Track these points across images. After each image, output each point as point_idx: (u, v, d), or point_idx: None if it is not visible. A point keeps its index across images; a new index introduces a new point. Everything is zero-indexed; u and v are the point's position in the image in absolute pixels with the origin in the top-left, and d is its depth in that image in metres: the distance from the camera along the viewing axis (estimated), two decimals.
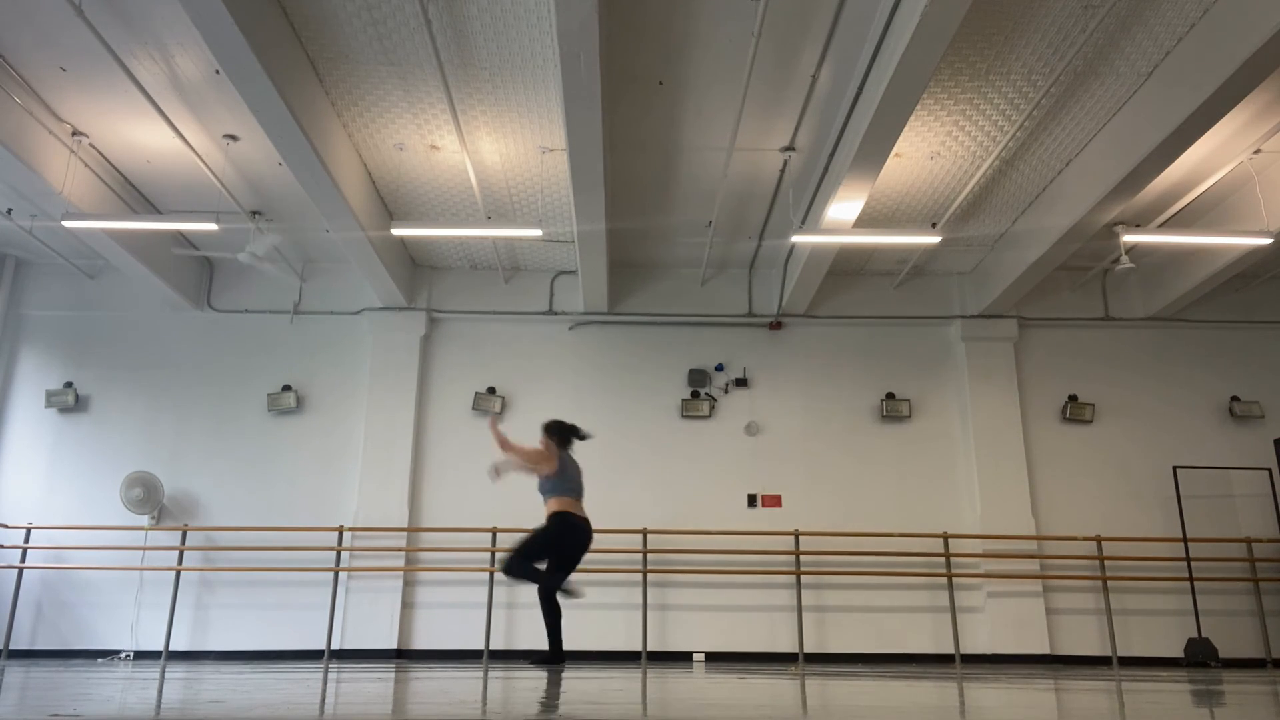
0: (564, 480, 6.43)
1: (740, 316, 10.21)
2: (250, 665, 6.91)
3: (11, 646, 9.01)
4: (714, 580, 9.39)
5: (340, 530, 9.28)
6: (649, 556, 9.35)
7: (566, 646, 9.18)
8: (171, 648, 9.06)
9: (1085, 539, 9.48)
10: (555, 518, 6.35)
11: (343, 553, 9.24)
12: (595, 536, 9.28)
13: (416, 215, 9.11)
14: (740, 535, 9.46)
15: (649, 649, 9.14)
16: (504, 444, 6.35)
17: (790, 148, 7.87)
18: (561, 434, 6.56)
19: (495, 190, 8.62)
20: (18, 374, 9.90)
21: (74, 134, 7.77)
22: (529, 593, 9.33)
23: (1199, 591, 9.39)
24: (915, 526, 9.58)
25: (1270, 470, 9.70)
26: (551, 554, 6.36)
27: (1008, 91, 7.05)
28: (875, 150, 6.83)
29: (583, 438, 6.63)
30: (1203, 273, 9.21)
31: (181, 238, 9.64)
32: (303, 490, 9.60)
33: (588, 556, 9.25)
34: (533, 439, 9.81)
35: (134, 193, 8.77)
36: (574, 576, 6.68)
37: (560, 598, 6.40)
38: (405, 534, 9.36)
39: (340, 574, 9.16)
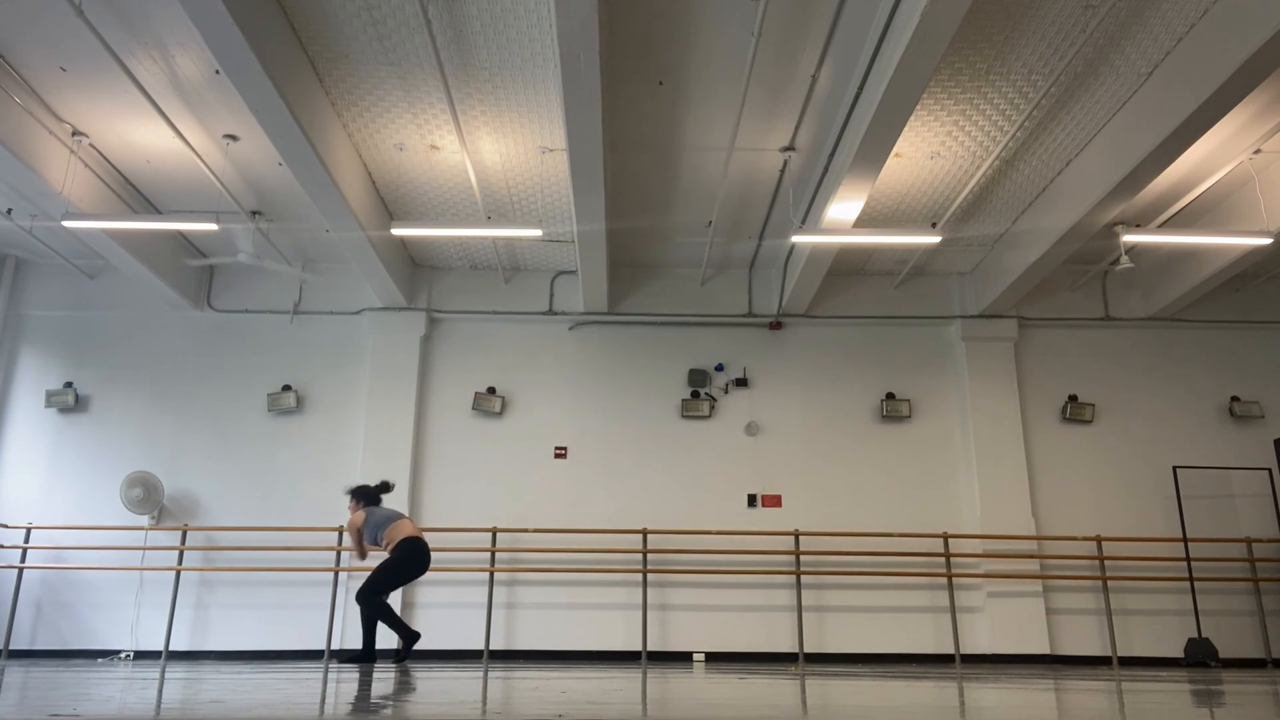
0: (373, 528, 7.03)
1: (740, 316, 10.21)
2: (250, 665, 6.91)
3: (11, 646, 9.01)
4: (714, 580, 9.39)
5: (340, 530, 9.28)
6: (649, 556, 9.35)
7: (568, 646, 9.20)
8: (171, 648, 9.06)
9: (1085, 539, 9.48)
10: (398, 545, 6.95)
11: (342, 553, 9.24)
12: (596, 537, 9.38)
13: (416, 215, 9.11)
14: (740, 535, 9.46)
15: (649, 649, 9.14)
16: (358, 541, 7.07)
17: (790, 148, 7.87)
18: (365, 496, 7.22)
19: (495, 190, 8.62)
20: (18, 374, 9.90)
21: (74, 134, 7.77)
22: (529, 593, 9.34)
23: (1199, 591, 9.39)
24: (915, 526, 9.58)
25: (1270, 470, 9.70)
26: (399, 577, 6.94)
27: (1008, 91, 7.05)
28: (875, 150, 6.83)
29: (387, 490, 7.30)
30: (1203, 273, 9.20)
31: (183, 239, 9.63)
32: (303, 490, 9.60)
33: (589, 556, 9.32)
34: (533, 438, 9.84)
35: (134, 193, 8.76)
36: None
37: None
38: None
39: (340, 574, 9.16)
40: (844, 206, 7.68)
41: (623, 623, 9.28)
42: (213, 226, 7.79)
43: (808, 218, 8.59)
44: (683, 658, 9.18)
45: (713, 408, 9.97)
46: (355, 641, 9.03)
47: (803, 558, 9.38)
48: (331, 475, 9.64)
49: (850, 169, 7.06)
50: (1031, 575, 9.31)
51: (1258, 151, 7.82)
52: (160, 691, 3.47)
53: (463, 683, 4.27)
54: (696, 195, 8.71)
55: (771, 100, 7.21)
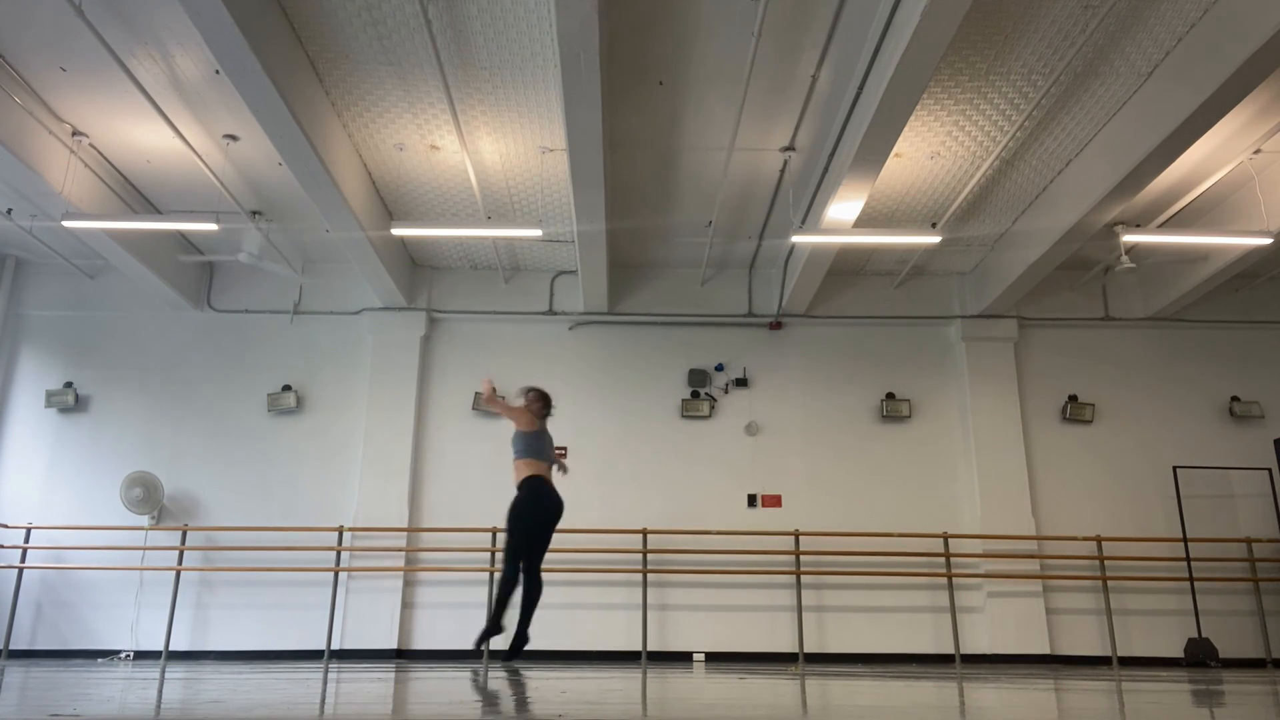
0: (540, 442, 6.39)
1: (740, 316, 10.21)
2: (250, 665, 6.90)
3: (11, 646, 9.01)
4: (714, 580, 9.38)
5: (340, 530, 9.28)
6: (649, 556, 9.34)
7: (567, 646, 9.19)
8: (171, 648, 9.06)
9: (1085, 539, 9.47)
10: (527, 482, 6.27)
11: (343, 553, 9.24)
12: (596, 537, 9.37)
13: (416, 215, 9.11)
14: (740, 535, 9.46)
15: (649, 649, 9.14)
16: (492, 399, 6.34)
17: (790, 148, 7.87)
18: (544, 402, 6.58)
19: (495, 190, 8.61)
20: (18, 374, 9.90)
21: (74, 134, 7.76)
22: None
23: (1199, 591, 9.38)
24: (915, 526, 9.57)
25: (1270, 470, 9.70)
26: (524, 525, 6.22)
27: (1008, 91, 7.05)
28: (875, 150, 6.83)
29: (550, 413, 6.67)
30: (1203, 273, 9.20)
31: (183, 239, 9.63)
32: (303, 490, 9.60)
33: (589, 556, 9.31)
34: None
35: (134, 193, 8.76)
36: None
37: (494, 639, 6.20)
38: (405, 534, 9.36)
39: (340, 574, 9.15)
40: (844, 206, 7.68)
41: (623, 623, 9.27)
42: (213, 226, 7.79)
43: (808, 218, 8.59)
44: (683, 658, 9.18)
45: (713, 408, 9.97)
46: (354, 641, 9.02)
47: (803, 558, 9.38)
48: (331, 475, 9.64)
49: (850, 169, 7.06)
50: (1031, 575, 9.31)
51: (1258, 151, 7.82)
52: (160, 691, 3.47)
53: (463, 683, 4.27)
54: (696, 195, 8.70)
55: (771, 100, 7.21)
